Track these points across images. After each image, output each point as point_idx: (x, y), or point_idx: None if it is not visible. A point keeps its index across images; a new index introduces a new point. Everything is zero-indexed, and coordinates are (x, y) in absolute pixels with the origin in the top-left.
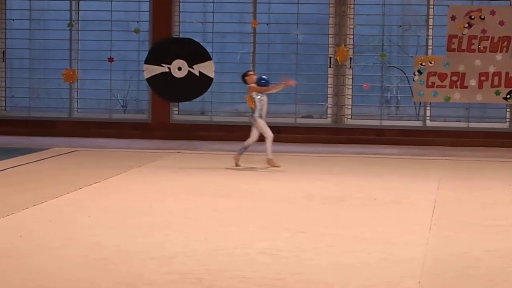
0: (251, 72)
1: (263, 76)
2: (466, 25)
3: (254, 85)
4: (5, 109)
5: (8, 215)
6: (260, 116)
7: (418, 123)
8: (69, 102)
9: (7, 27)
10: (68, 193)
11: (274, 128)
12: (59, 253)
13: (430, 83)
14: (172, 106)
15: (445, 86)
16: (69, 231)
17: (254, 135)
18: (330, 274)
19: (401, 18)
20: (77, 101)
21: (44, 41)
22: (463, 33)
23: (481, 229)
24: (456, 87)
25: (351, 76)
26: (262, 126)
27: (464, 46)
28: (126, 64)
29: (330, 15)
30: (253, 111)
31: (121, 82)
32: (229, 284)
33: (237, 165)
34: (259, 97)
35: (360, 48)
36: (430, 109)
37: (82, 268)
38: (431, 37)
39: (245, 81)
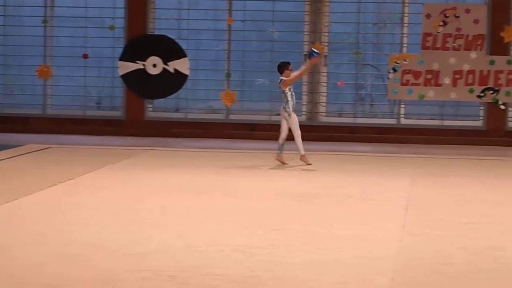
0: (291, 67)
1: (314, 49)
2: (441, 23)
3: (287, 78)
4: None
5: None
6: (294, 111)
7: (392, 121)
8: (43, 99)
9: None
10: (41, 189)
11: (248, 126)
12: (33, 250)
13: (404, 81)
14: (147, 103)
15: (420, 84)
16: (43, 227)
17: (284, 129)
18: (303, 271)
19: (376, 16)
20: (51, 98)
21: (18, 38)
22: (438, 31)
23: (454, 227)
24: (431, 85)
25: (326, 74)
26: (294, 122)
27: (438, 44)
28: (100, 61)
29: (306, 13)
30: (286, 106)
31: (95, 79)
32: (202, 281)
33: (284, 163)
34: (290, 92)
35: (335, 46)
36: (404, 107)
37: (56, 264)
38: (406, 35)
39: (280, 73)
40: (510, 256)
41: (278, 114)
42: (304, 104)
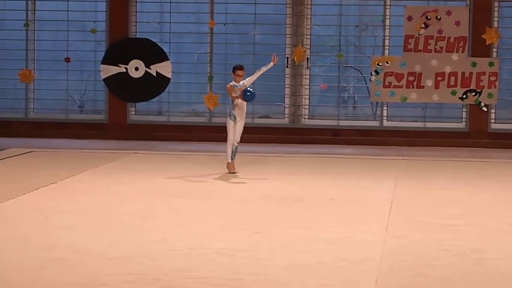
0: (239, 72)
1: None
2: (423, 25)
3: (228, 87)
4: None
5: None
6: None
7: (375, 123)
8: (25, 103)
9: None
10: (24, 193)
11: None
12: (15, 254)
13: (387, 83)
14: (129, 107)
15: (402, 86)
16: (26, 232)
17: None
18: (287, 274)
19: (358, 18)
20: (34, 102)
21: (0, 41)
22: (420, 33)
23: (437, 229)
24: (413, 87)
25: (308, 76)
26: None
27: (420, 46)
28: (82, 64)
29: (287, 15)
30: (230, 111)
31: (77, 82)
32: (186, 285)
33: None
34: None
35: (317, 48)
36: (387, 109)
37: (38, 269)
38: (387, 37)
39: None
40: (491, 258)
41: (263, 117)
42: (287, 107)
